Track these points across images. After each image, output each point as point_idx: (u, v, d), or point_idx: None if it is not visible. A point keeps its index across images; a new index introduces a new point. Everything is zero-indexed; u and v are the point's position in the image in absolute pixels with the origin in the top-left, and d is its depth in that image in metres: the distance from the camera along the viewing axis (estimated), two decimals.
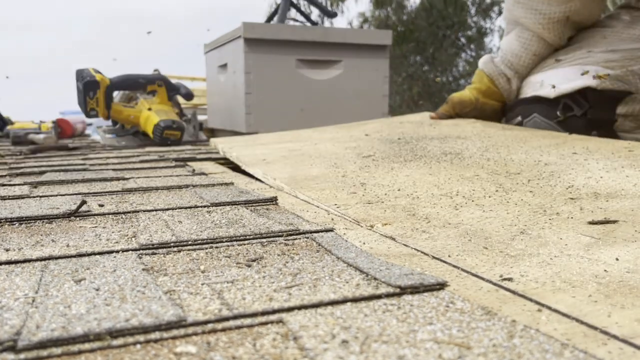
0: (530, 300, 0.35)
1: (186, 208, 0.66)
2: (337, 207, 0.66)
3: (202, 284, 0.38)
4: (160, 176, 0.97)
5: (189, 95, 1.96)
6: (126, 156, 1.39)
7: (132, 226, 0.57)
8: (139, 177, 0.95)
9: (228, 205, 0.68)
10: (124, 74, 1.78)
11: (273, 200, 0.71)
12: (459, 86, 7.85)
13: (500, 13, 7.95)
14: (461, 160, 0.90)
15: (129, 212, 0.64)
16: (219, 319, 0.32)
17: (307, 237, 0.51)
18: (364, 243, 0.50)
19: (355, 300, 0.35)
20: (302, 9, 2.75)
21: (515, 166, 0.84)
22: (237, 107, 1.95)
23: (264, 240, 0.50)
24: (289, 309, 0.33)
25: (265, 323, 0.32)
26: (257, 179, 0.94)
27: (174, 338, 0.30)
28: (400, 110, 7.56)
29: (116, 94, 2.01)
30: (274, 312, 0.33)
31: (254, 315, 0.32)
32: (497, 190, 0.70)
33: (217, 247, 0.48)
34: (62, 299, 0.35)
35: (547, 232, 0.52)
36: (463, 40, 8.25)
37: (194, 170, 1.08)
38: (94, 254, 0.46)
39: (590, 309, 0.34)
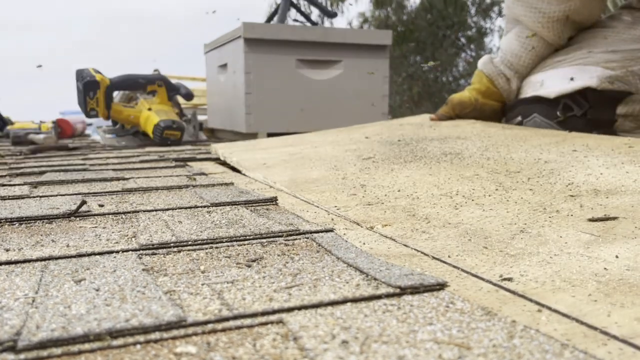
0: (530, 300, 0.35)
1: (186, 208, 0.66)
2: (337, 209, 0.66)
3: (202, 284, 0.38)
4: (160, 176, 0.97)
5: (189, 96, 1.96)
6: (126, 156, 1.39)
7: (132, 226, 0.57)
8: (139, 177, 0.95)
9: (228, 205, 0.68)
10: (124, 74, 1.78)
11: (273, 201, 0.71)
12: (459, 86, 7.85)
13: (500, 13, 7.95)
14: (461, 160, 0.90)
15: (129, 212, 0.64)
16: (219, 319, 0.32)
17: (307, 238, 0.51)
18: (364, 243, 0.50)
19: (355, 300, 0.35)
20: (302, 9, 2.75)
21: (515, 165, 0.84)
22: (237, 107, 1.95)
23: (264, 240, 0.50)
24: (289, 309, 0.33)
25: (265, 323, 0.32)
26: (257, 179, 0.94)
27: (174, 338, 0.30)
28: (400, 110, 7.56)
29: (116, 94, 2.01)
30: (274, 312, 0.33)
31: (254, 315, 0.32)
32: (497, 189, 0.70)
33: (217, 248, 0.48)
34: (62, 299, 0.35)
35: (547, 230, 0.52)
36: (463, 40, 8.25)
37: (194, 170, 1.08)
38: (94, 254, 0.46)
39: (590, 308, 0.34)
